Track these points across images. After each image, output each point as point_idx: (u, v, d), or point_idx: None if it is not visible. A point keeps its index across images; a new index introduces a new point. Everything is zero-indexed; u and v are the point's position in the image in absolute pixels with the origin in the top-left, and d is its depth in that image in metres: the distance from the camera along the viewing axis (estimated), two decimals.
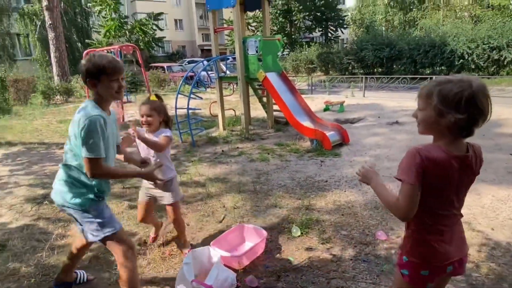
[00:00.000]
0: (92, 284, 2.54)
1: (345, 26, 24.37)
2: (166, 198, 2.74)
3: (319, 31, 24.77)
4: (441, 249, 1.45)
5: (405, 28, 21.81)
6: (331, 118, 8.67)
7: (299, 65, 21.19)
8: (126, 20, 19.67)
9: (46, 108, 12.64)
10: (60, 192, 2.03)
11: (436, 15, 21.03)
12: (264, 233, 2.87)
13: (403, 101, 10.24)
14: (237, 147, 6.34)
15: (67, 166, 2.03)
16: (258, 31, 22.97)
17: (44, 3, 13.98)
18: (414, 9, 22.07)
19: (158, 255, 2.92)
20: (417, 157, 1.34)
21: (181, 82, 7.35)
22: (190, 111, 6.66)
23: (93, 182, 2.01)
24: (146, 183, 2.75)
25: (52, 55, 14.89)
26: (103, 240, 2.05)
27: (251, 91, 7.88)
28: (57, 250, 2.99)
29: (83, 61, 1.96)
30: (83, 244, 2.36)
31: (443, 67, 15.87)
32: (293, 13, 23.30)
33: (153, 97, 2.64)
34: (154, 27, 20.81)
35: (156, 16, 21.04)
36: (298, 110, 6.64)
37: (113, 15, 18.54)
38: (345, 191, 4.17)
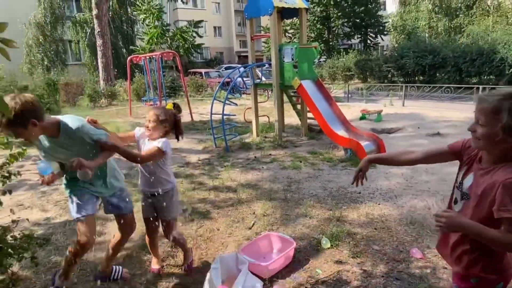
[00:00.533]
0: (126, 281, 2.65)
1: (385, 32, 23.69)
2: (166, 212, 2.54)
3: (357, 37, 24.27)
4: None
5: (450, 35, 20.77)
6: (367, 128, 8.44)
7: (336, 72, 20.87)
8: (168, 27, 20.44)
9: (91, 110, 13.40)
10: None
11: (485, 21, 19.88)
12: (293, 242, 2.85)
13: (446, 112, 9.77)
14: (270, 154, 6.35)
15: None
16: (295, 38, 22.95)
17: (94, 12, 14.91)
18: (460, 15, 20.99)
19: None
20: None
21: (217, 88, 7.49)
22: (224, 116, 6.77)
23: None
24: (142, 187, 2.58)
25: (99, 60, 15.79)
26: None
27: (285, 98, 7.89)
28: (94, 247, 3.15)
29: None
30: (119, 240, 2.52)
31: (491, 76, 14.93)
32: (332, 20, 23.03)
33: (169, 105, 2.55)
34: (194, 34, 21.42)
35: (196, 24, 21.69)
36: (332, 119, 6.54)
37: (156, 23, 19.35)
38: (379, 204, 4.03)
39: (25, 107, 1.87)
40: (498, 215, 1.25)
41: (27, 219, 3.06)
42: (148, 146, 2.43)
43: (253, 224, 3.56)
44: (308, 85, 6.78)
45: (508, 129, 1.23)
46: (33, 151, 4.26)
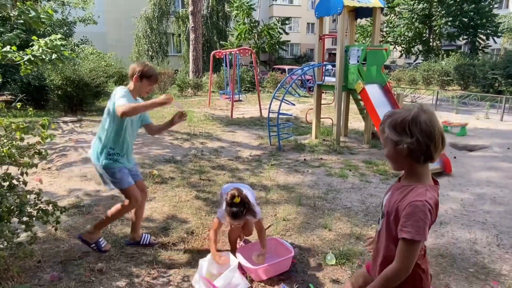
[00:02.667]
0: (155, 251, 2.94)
1: (499, 34, 20.45)
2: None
3: (463, 39, 21.48)
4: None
5: None
6: (446, 142, 7.56)
7: (431, 76, 18.90)
8: (256, 24, 21.08)
9: (178, 98, 14.68)
10: (92, 153, 2.78)
11: None
12: (291, 252, 2.78)
13: None
14: (321, 158, 6.17)
15: (98, 136, 2.76)
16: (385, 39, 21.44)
17: (190, 8, 16.18)
18: None
19: (197, 246, 3.15)
20: (428, 212, 1.29)
21: (279, 85, 7.53)
22: (281, 115, 6.79)
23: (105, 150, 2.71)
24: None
25: (190, 54, 17.13)
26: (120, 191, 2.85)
27: (352, 101, 7.53)
28: (123, 222, 3.55)
29: (141, 63, 2.74)
30: (139, 207, 3.01)
31: None
32: (433, 18, 20.83)
33: (236, 200, 2.53)
34: (281, 31, 21.63)
35: (284, 21, 21.84)
36: None
37: (246, 20, 20.09)
38: None
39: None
40: (399, 234, 1.31)
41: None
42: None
43: (269, 226, 3.56)
44: (373, 90, 6.36)
45: (392, 141, 1.33)
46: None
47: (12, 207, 2.25)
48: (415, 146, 1.28)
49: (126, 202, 2.81)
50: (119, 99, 2.54)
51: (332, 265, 2.88)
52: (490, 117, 10.42)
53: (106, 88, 11.97)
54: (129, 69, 2.74)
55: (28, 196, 2.53)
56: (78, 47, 15.73)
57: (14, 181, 2.51)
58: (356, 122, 9.11)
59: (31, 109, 2.88)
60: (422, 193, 1.31)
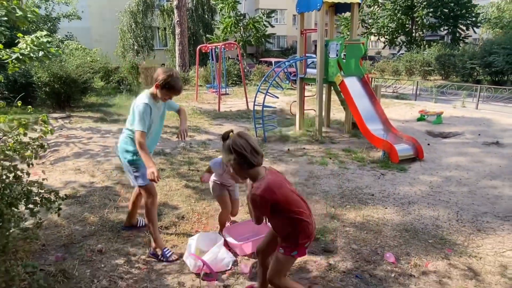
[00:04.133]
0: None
1: (478, 24, 21.09)
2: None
3: (444, 29, 22.06)
4: None
5: None
6: (421, 130, 8.02)
7: (413, 67, 19.46)
8: (242, 17, 21.24)
9: None
10: (119, 149, 2.98)
11: None
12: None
13: None
14: (304, 148, 6.53)
15: (127, 134, 2.95)
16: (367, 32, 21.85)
17: (175, 2, 16.26)
18: None
19: (188, 229, 3.47)
20: (261, 200, 1.95)
21: (263, 78, 7.83)
22: (266, 108, 7.11)
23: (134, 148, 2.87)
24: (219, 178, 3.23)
25: (176, 48, 17.24)
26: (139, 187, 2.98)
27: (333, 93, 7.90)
28: (118, 209, 3.84)
29: (167, 72, 2.83)
30: (137, 194, 3.25)
31: None
32: (415, 9, 21.32)
33: (232, 135, 2.93)
34: (266, 24, 21.83)
35: (269, 14, 22.03)
36: (372, 117, 6.43)
37: (231, 13, 20.22)
38: (386, 208, 4.03)
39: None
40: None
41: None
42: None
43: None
44: (352, 82, 6.73)
45: (229, 161, 2.03)
46: (105, 126, 5.14)
47: (19, 195, 2.52)
48: (238, 159, 1.95)
49: (146, 199, 2.94)
50: (138, 122, 2.74)
51: None
52: (466, 105, 10.94)
53: (92, 84, 12.07)
54: (155, 73, 2.88)
55: (31, 186, 2.80)
56: (63, 43, 15.68)
57: (19, 173, 2.77)
58: (339, 113, 9.49)
59: (30, 107, 3.12)
60: (256, 188, 1.93)
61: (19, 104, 3.20)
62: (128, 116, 2.96)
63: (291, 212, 2.01)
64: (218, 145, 6.81)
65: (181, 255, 2.97)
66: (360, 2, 6.96)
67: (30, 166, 2.64)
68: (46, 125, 2.73)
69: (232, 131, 2.89)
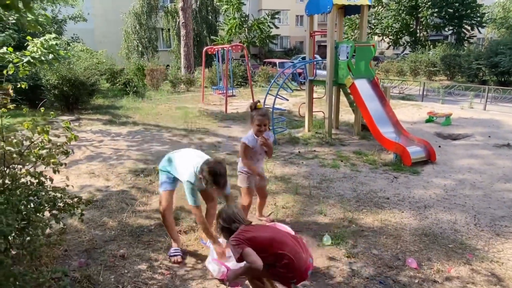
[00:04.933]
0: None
1: (483, 24, 21.03)
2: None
3: (449, 29, 22.02)
4: None
5: None
6: (430, 131, 8.00)
7: (418, 67, 19.43)
8: (246, 18, 21.28)
9: (171, 94, 14.85)
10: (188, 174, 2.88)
11: None
12: (292, 234, 3.13)
13: None
14: (314, 150, 6.53)
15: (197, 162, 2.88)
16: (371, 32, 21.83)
17: (180, 4, 16.28)
18: None
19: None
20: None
21: (273, 80, 7.83)
22: (277, 110, 7.11)
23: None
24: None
25: (181, 49, 17.26)
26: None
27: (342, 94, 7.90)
28: (136, 214, 3.86)
29: (211, 171, 2.67)
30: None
31: None
32: (420, 10, 21.30)
33: (259, 105, 3.32)
34: (270, 25, 21.86)
35: (274, 15, 22.06)
36: (383, 120, 6.42)
37: (236, 14, 20.25)
38: (402, 211, 4.03)
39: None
40: None
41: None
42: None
43: (270, 214, 3.91)
44: (362, 84, 6.73)
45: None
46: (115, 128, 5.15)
47: (46, 201, 2.54)
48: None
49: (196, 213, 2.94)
50: (190, 199, 2.81)
51: (328, 245, 3.24)
52: (474, 106, 10.92)
53: (99, 86, 12.11)
54: (202, 169, 2.73)
55: (54, 192, 2.82)
56: (69, 45, 15.74)
57: (42, 179, 2.79)
58: (347, 115, 9.47)
59: (52, 113, 3.13)
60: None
61: (43, 110, 3.19)
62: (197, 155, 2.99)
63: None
64: (229, 147, 6.83)
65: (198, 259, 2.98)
66: (370, 4, 6.96)
67: (56, 172, 2.65)
68: (70, 132, 2.74)
69: (259, 101, 3.41)
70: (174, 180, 3.08)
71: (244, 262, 2.23)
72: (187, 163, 2.90)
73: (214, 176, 2.63)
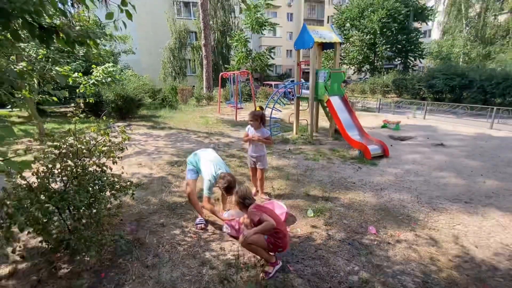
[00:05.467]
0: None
1: (423, 57, 20.88)
2: (260, 164, 3.64)
3: (398, 60, 21.86)
4: None
5: (481, 60, 17.40)
6: (384, 134, 7.94)
7: (375, 88, 19.30)
8: (250, 52, 21.23)
9: (196, 107, 14.83)
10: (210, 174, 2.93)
11: None
12: (285, 209, 3.12)
13: (460, 127, 8.60)
14: (300, 148, 6.50)
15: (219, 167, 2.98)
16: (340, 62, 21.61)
17: (202, 41, 16.23)
18: (497, 43, 17.31)
19: (221, 208, 3.48)
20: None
21: (270, 97, 7.79)
22: (272, 119, 7.07)
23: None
24: (250, 153, 3.59)
25: (203, 74, 17.21)
26: None
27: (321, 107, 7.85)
28: (172, 194, 3.85)
29: (225, 181, 2.72)
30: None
31: None
32: (377, 46, 21.15)
33: (258, 108, 3.48)
34: (268, 57, 21.82)
35: (271, 49, 22.00)
36: (350, 126, 6.38)
37: (243, 49, 20.21)
38: (364, 192, 4.01)
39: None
40: None
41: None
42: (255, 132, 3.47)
43: (269, 194, 3.90)
44: (335, 100, 6.69)
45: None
46: (156, 132, 5.13)
47: (107, 184, 2.55)
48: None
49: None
50: (205, 189, 2.88)
51: (311, 216, 3.24)
52: (416, 116, 10.83)
53: (144, 101, 12.11)
54: (220, 178, 2.78)
55: (113, 177, 2.82)
56: (122, 71, 15.73)
57: (104, 168, 2.79)
58: (324, 123, 9.44)
59: (111, 120, 3.13)
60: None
61: (104, 118, 3.19)
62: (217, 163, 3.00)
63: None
64: (239, 146, 6.81)
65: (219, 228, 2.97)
66: (341, 41, 6.91)
67: (115, 163, 2.65)
68: (125, 133, 2.75)
69: (261, 107, 3.57)
70: (197, 172, 3.08)
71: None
72: (210, 166, 2.92)
73: (227, 188, 2.69)
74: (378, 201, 3.70)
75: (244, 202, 2.36)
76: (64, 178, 2.36)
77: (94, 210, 2.40)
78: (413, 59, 21.48)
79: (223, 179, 2.71)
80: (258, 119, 3.43)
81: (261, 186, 3.72)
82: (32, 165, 1.76)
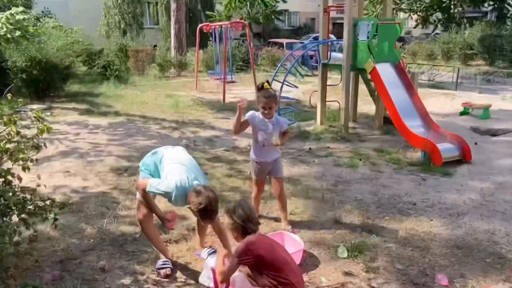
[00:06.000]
0: None
1: None
2: (276, 171, 3.77)
3: (489, 5, 21.86)
4: None
5: None
6: (465, 126, 7.99)
7: (451, 50, 19.34)
8: None
9: (159, 80, 14.88)
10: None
11: None
12: (302, 245, 3.15)
13: None
14: (328, 147, 6.54)
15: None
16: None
17: None
18: None
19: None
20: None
21: (280, 64, 7.84)
22: (284, 101, 7.13)
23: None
24: (258, 157, 3.72)
25: (171, 26, 17.28)
26: None
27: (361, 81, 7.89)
28: (118, 219, 3.89)
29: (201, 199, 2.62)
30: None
31: None
32: None
33: (266, 85, 3.46)
34: None
35: None
36: (409, 111, 6.43)
37: None
38: (431, 220, 4.03)
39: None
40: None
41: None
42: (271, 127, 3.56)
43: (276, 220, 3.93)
44: (385, 69, 6.72)
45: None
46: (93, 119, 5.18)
47: (14, 204, 2.56)
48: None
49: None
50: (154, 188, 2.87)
51: (344, 258, 3.26)
52: None
53: (75, 70, 12.13)
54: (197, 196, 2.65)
55: (23, 193, 2.84)
56: (39, 21, 15.78)
57: (9, 177, 2.80)
58: (366, 106, 9.45)
59: (20, 100, 3.16)
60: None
61: (9, 98, 3.20)
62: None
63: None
64: (226, 142, 6.84)
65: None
66: None
67: (26, 170, 2.67)
68: (43, 122, 2.76)
69: (267, 81, 3.56)
70: None
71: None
72: (179, 171, 2.86)
73: (203, 211, 2.62)
74: (453, 234, 3.72)
75: (246, 227, 2.34)
76: None
77: None
78: None
79: (199, 196, 2.60)
80: (277, 103, 3.61)
81: (284, 208, 3.83)
82: None
